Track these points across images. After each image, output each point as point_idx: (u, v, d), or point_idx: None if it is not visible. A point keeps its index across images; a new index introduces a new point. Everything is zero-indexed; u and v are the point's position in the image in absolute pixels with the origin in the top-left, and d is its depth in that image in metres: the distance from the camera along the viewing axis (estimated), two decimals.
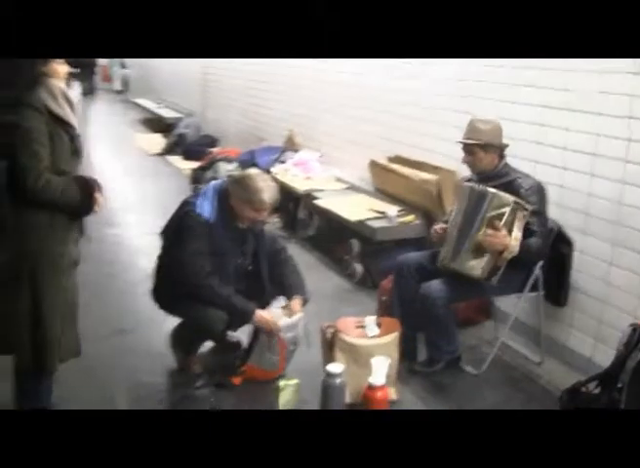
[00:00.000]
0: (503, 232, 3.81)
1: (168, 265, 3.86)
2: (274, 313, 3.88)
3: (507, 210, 3.82)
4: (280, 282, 4.07)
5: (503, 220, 3.81)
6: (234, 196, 3.80)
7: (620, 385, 3.53)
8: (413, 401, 3.86)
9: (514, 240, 3.83)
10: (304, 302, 4.03)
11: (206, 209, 3.76)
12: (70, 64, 3.24)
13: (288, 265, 4.16)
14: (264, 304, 3.92)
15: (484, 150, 4.05)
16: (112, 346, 4.27)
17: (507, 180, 4.04)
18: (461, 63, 5.16)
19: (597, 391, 3.69)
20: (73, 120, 3.08)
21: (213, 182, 3.99)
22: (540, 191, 4.02)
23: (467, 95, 5.18)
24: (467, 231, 3.95)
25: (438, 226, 4.29)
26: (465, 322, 4.77)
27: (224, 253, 3.84)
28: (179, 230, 3.78)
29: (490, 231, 3.81)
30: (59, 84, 3.04)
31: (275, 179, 7.15)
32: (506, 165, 4.13)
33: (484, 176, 4.12)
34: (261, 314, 3.80)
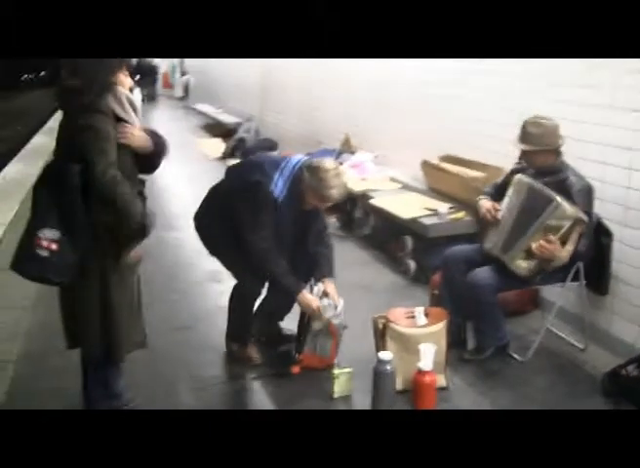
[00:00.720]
0: (557, 245, 4.02)
1: (232, 219, 4.07)
2: (317, 297, 4.12)
3: (568, 224, 4.01)
4: (315, 263, 4.30)
5: (561, 233, 4.02)
6: (306, 183, 3.99)
7: None
8: (462, 387, 4.10)
9: (565, 252, 4.06)
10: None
11: (279, 187, 3.95)
12: (133, 72, 3.55)
13: (327, 246, 4.37)
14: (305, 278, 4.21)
15: (537, 154, 4.21)
16: (174, 341, 4.57)
17: (561, 178, 4.18)
18: (507, 62, 5.34)
19: (636, 373, 3.90)
20: (136, 123, 3.35)
21: (292, 159, 4.14)
22: (589, 193, 4.18)
23: (513, 92, 5.38)
24: (523, 229, 4.17)
25: (490, 204, 4.47)
26: (514, 312, 4.99)
27: (283, 228, 4.06)
28: (250, 197, 3.98)
29: (543, 242, 4.01)
30: (125, 91, 3.32)
31: None
32: (562, 162, 4.26)
33: (539, 171, 4.28)
34: (307, 296, 4.06)
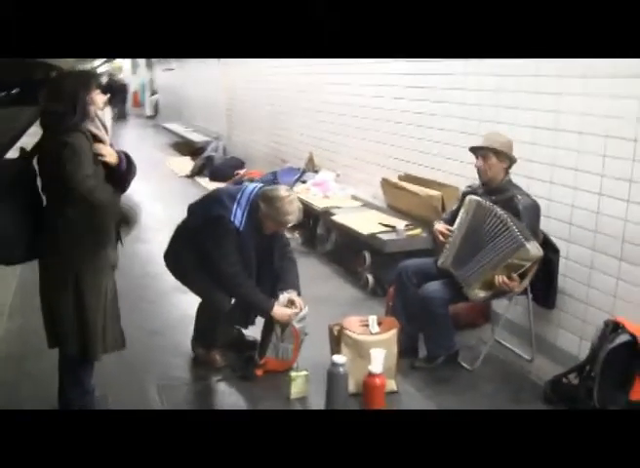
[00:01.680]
0: (518, 282, 4.26)
1: (199, 250, 4.31)
2: (283, 307, 4.36)
3: (529, 264, 4.23)
4: (282, 279, 4.53)
5: (521, 270, 4.24)
6: (263, 212, 4.26)
7: (592, 374, 3.96)
8: (411, 392, 4.29)
9: (522, 286, 4.33)
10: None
11: (238, 218, 4.22)
12: (104, 90, 3.78)
13: (290, 261, 4.64)
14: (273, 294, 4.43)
15: (497, 157, 4.42)
16: (145, 345, 4.78)
17: (508, 196, 4.40)
18: (469, 89, 5.62)
19: (576, 382, 4.12)
20: (107, 140, 3.61)
21: (247, 189, 4.40)
22: (535, 211, 4.40)
23: (473, 117, 5.60)
24: (474, 247, 4.38)
25: (442, 227, 4.68)
26: (467, 325, 5.20)
27: (247, 253, 4.31)
28: (213, 229, 4.23)
29: (506, 279, 4.21)
30: (96, 110, 3.57)
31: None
32: (510, 181, 4.50)
33: (488, 189, 4.52)
34: (281, 309, 4.31)
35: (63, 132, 3.38)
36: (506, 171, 4.49)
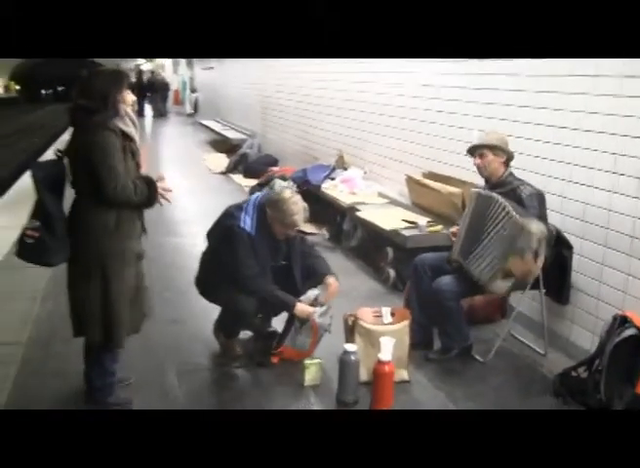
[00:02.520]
0: (531, 262, 4.32)
1: (219, 264, 4.49)
2: (308, 304, 4.52)
3: (536, 244, 4.28)
4: (314, 270, 4.72)
5: (533, 251, 4.30)
6: (271, 215, 4.43)
7: (600, 368, 4.04)
8: (422, 382, 4.42)
9: (538, 266, 4.37)
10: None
11: (248, 224, 4.39)
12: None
13: (318, 258, 4.82)
14: (297, 296, 4.56)
15: (492, 152, 4.56)
16: (169, 332, 4.99)
17: (511, 188, 4.52)
18: (488, 88, 5.72)
19: (585, 375, 4.20)
20: (136, 136, 3.79)
21: (252, 198, 4.61)
22: (539, 198, 4.50)
23: (492, 116, 5.70)
24: (478, 234, 4.49)
25: (455, 228, 4.87)
26: (483, 320, 5.30)
27: (262, 257, 4.47)
28: (228, 240, 4.41)
29: (520, 262, 4.29)
30: (126, 108, 3.74)
31: (325, 194, 7.83)
32: (511, 174, 4.63)
33: (491, 184, 4.64)
34: (302, 306, 4.47)
35: (93, 129, 3.55)
36: (505, 165, 4.62)
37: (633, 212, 4.24)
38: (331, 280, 4.62)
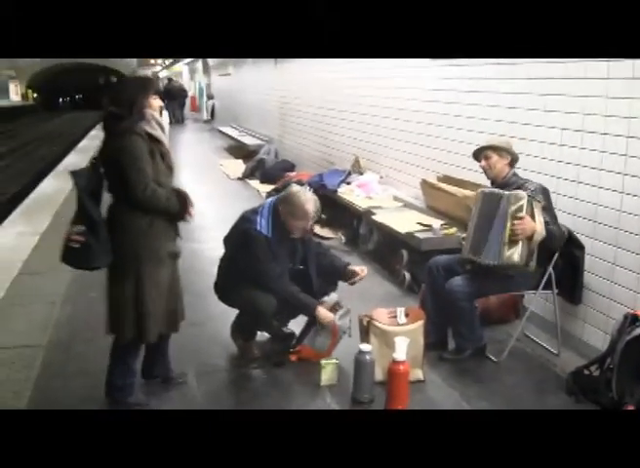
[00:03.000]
0: (528, 218, 4.36)
1: (237, 269, 4.60)
2: (329, 307, 4.69)
3: (524, 202, 4.38)
4: (332, 267, 4.91)
5: (524, 210, 4.37)
6: (283, 212, 4.53)
7: (611, 366, 4.11)
8: (437, 381, 4.50)
9: (539, 223, 4.40)
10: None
11: (264, 226, 4.49)
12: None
13: (334, 257, 5.03)
14: (313, 297, 4.67)
15: (497, 154, 4.68)
16: (188, 334, 5.01)
17: (516, 187, 4.59)
18: (502, 92, 5.80)
19: (597, 373, 4.26)
20: (164, 139, 3.95)
21: (267, 201, 4.72)
22: (544, 191, 4.59)
23: (505, 119, 5.78)
24: (486, 228, 4.55)
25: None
26: (498, 320, 5.38)
27: (281, 259, 4.59)
28: (245, 244, 4.51)
29: (516, 221, 4.36)
30: (153, 112, 3.91)
31: (341, 198, 7.92)
32: (515, 174, 4.74)
33: (496, 185, 4.73)
34: (324, 311, 4.60)
35: (120, 133, 3.70)
36: (510, 166, 4.73)
37: None
38: (355, 268, 4.84)
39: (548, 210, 4.53)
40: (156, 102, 3.93)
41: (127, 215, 3.80)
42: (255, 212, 4.61)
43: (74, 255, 3.67)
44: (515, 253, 4.42)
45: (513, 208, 4.38)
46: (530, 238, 4.40)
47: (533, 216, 4.40)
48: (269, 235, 4.49)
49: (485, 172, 4.80)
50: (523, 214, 4.36)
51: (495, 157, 4.68)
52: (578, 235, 4.78)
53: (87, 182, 3.72)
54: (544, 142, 5.11)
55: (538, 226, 4.40)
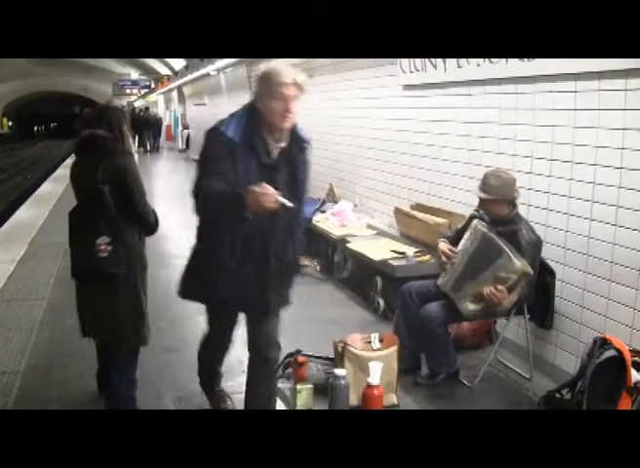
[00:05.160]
0: (505, 293, 4.45)
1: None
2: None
3: (515, 277, 4.43)
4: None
5: (508, 284, 4.45)
6: (258, 96, 3.42)
7: (582, 389, 4.18)
8: (412, 405, 4.53)
9: (509, 300, 4.52)
10: None
11: (232, 127, 3.39)
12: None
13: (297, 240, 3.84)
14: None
15: (494, 203, 4.66)
16: (164, 360, 5.12)
17: (513, 229, 4.59)
18: (473, 122, 5.93)
19: (568, 396, 4.33)
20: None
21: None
22: (538, 246, 4.63)
23: (476, 148, 5.90)
24: (472, 273, 4.59)
25: (445, 247, 4.90)
26: (471, 346, 5.45)
27: (247, 176, 3.33)
28: (201, 155, 3.53)
29: (494, 289, 4.42)
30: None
31: (316, 227, 7.98)
32: (517, 214, 4.71)
33: (494, 220, 4.71)
34: (255, 190, 3.14)
35: (120, 154, 4.04)
36: (510, 205, 4.70)
37: (612, 238, 4.40)
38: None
39: (532, 266, 4.51)
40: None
41: (124, 227, 4.01)
42: (230, 114, 3.54)
43: (103, 263, 3.93)
44: (472, 309, 4.63)
45: (503, 274, 4.42)
46: (494, 305, 4.52)
47: (511, 290, 4.47)
48: (235, 138, 3.35)
49: (482, 210, 4.81)
50: (503, 287, 4.43)
51: (492, 206, 4.67)
52: (548, 261, 4.86)
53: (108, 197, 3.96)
54: (514, 170, 5.21)
55: (507, 302, 4.51)
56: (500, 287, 4.42)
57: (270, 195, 3.13)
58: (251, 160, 3.39)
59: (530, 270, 4.44)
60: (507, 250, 4.41)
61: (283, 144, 3.54)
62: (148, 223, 4.16)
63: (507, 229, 4.62)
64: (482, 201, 4.71)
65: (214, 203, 3.34)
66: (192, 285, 3.86)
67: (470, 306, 4.63)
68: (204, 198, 3.39)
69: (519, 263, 4.40)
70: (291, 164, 3.61)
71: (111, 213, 3.94)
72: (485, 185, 4.66)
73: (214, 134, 3.44)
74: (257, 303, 3.68)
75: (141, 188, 4.06)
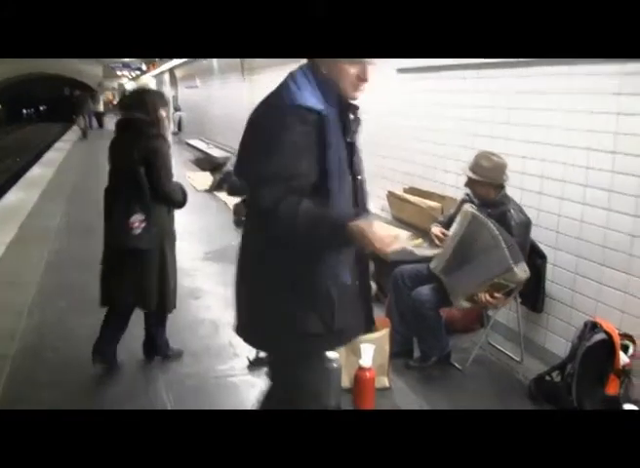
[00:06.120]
0: (501, 299, 4.59)
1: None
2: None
3: (514, 286, 4.52)
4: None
5: (506, 290, 4.54)
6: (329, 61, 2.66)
7: (572, 371, 4.21)
8: (402, 388, 4.56)
9: (505, 303, 4.68)
10: None
11: (312, 96, 2.57)
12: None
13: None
14: None
15: (481, 185, 4.68)
16: None
17: (502, 210, 4.62)
18: (466, 106, 5.93)
19: (558, 379, 4.36)
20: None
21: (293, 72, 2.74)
22: (526, 228, 4.64)
23: (469, 133, 5.91)
24: (463, 257, 4.61)
25: (438, 231, 4.93)
26: (462, 330, 5.47)
27: (338, 158, 2.61)
28: (270, 147, 2.48)
29: (490, 298, 4.50)
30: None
31: None
32: (505, 195, 4.73)
33: (483, 202, 4.74)
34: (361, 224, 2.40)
35: (154, 137, 4.37)
36: (497, 188, 4.71)
37: (604, 223, 4.42)
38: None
39: (522, 247, 4.52)
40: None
41: (154, 203, 4.36)
42: (287, 84, 2.65)
43: (137, 238, 4.30)
44: (466, 305, 4.74)
45: (503, 281, 4.45)
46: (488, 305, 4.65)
47: (509, 294, 4.64)
48: (324, 111, 2.54)
49: (471, 191, 4.84)
50: (500, 294, 4.54)
51: (479, 187, 4.70)
52: (541, 245, 4.88)
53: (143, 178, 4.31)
54: (508, 155, 5.21)
55: (503, 303, 4.68)
56: (497, 295, 4.52)
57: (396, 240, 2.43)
58: (340, 140, 2.64)
59: (528, 274, 4.47)
60: (511, 261, 4.37)
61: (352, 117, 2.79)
62: (177, 200, 4.51)
63: (496, 211, 4.64)
64: (470, 181, 4.73)
65: (313, 234, 2.46)
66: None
67: (465, 304, 4.72)
68: (300, 225, 2.41)
69: (521, 274, 4.41)
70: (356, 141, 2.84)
71: (144, 192, 4.29)
72: (475, 166, 4.68)
73: (294, 111, 2.50)
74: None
75: (170, 170, 4.41)
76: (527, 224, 4.65)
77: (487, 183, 4.66)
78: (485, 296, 4.49)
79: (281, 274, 2.61)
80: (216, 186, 12.99)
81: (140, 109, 4.39)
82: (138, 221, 4.30)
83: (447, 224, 4.97)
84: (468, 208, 4.72)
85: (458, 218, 4.80)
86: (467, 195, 4.95)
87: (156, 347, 4.81)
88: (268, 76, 12.09)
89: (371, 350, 4.10)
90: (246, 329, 2.78)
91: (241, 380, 4.59)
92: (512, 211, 4.61)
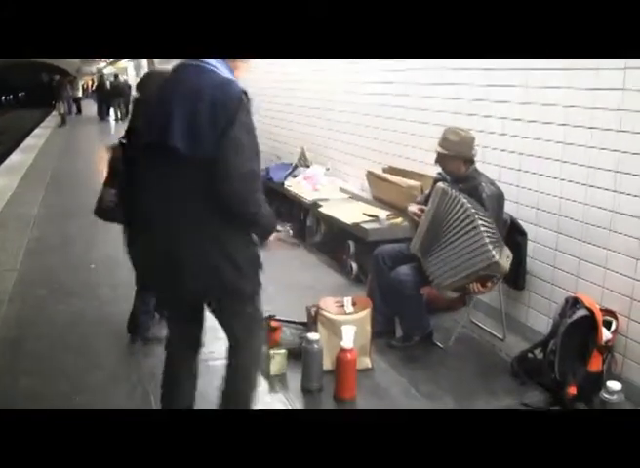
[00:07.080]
0: (490, 287, 4.64)
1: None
2: None
3: (498, 275, 4.50)
4: None
5: (493, 280, 4.58)
6: None
7: (554, 348, 4.21)
8: (385, 368, 4.54)
9: (492, 288, 4.70)
10: None
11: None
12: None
13: None
14: None
15: (450, 160, 4.64)
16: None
17: (473, 185, 4.58)
18: (445, 83, 5.90)
19: (541, 356, 4.36)
20: None
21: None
22: (499, 199, 4.60)
23: (448, 111, 5.87)
24: (437, 233, 4.55)
25: (415, 207, 4.91)
26: (446, 308, 5.45)
27: None
28: (250, 142, 3.01)
29: (479, 287, 4.48)
30: None
31: (288, 191, 7.94)
32: (475, 170, 4.70)
33: (454, 178, 4.72)
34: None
35: None
36: (467, 163, 4.67)
37: (584, 199, 4.41)
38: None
39: (497, 219, 4.49)
40: None
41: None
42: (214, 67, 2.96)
43: (109, 212, 4.37)
44: (454, 295, 4.82)
45: (487, 272, 4.39)
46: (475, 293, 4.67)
47: (496, 283, 4.70)
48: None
49: (440, 167, 4.81)
50: (487, 284, 4.56)
51: (448, 160, 4.66)
52: (521, 222, 4.87)
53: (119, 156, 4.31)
54: (487, 132, 5.19)
55: (489, 291, 4.73)
56: (488, 284, 4.56)
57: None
58: None
59: (511, 258, 4.46)
60: (494, 253, 4.27)
61: None
62: None
63: (468, 186, 4.60)
64: (439, 156, 4.68)
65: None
66: None
67: (452, 294, 4.76)
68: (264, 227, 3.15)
69: (505, 265, 4.37)
70: None
71: (117, 169, 4.28)
72: (443, 141, 4.64)
73: (246, 103, 2.90)
74: None
75: None
76: (499, 196, 4.60)
77: (456, 158, 4.62)
78: (477, 287, 4.47)
79: None
80: None
81: None
82: (111, 196, 4.40)
83: (424, 204, 4.94)
84: (439, 185, 4.68)
85: (431, 197, 4.77)
86: (440, 174, 4.92)
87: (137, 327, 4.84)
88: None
89: (352, 331, 4.07)
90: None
91: (223, 364, 4.55)
92: (483, 184, 4.57)
